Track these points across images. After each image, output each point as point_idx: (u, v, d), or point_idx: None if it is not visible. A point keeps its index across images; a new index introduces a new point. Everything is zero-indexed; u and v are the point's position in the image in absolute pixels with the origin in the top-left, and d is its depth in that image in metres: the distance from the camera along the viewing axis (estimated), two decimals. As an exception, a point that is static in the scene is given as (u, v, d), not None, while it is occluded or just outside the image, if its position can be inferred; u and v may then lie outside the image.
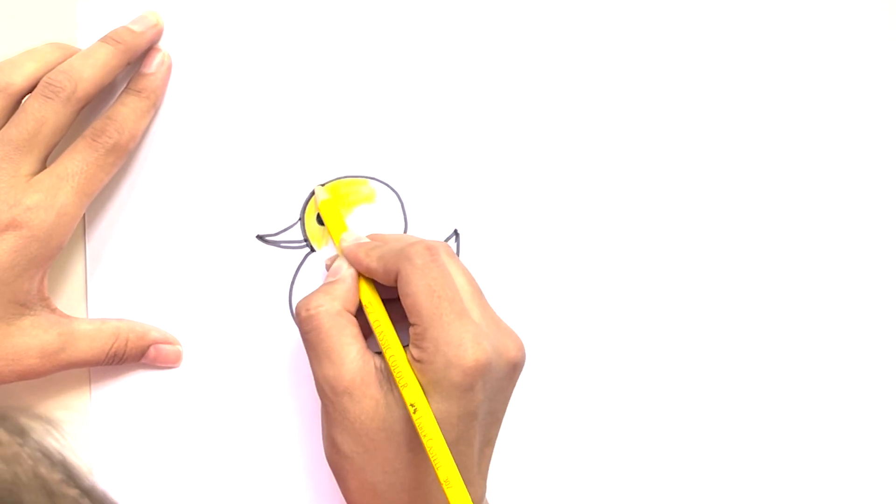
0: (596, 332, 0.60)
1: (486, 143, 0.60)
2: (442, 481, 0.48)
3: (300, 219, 0.59)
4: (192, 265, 0.59)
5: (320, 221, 0.59)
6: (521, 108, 0.60)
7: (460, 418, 0.50)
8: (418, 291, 0.51)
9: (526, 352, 0.52)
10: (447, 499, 0.48)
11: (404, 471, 0.51)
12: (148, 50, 0.58)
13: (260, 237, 0.59)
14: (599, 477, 0.59)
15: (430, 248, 0.52)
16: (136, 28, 0.58)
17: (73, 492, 0.32)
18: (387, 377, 0.51)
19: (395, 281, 0.52)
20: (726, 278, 0.60)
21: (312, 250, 0.59)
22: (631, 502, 0.59)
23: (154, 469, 0.59)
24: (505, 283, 0.59)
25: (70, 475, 0.33)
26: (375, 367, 0.52)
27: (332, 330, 0.52)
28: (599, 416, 0.59)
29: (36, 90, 0.55)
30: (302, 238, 0.59)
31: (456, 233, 0.60)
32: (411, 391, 0.50)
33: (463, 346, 0.50)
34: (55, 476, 0.32)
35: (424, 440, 0.49)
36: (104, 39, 0.57)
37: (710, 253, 0.60)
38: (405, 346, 0.52)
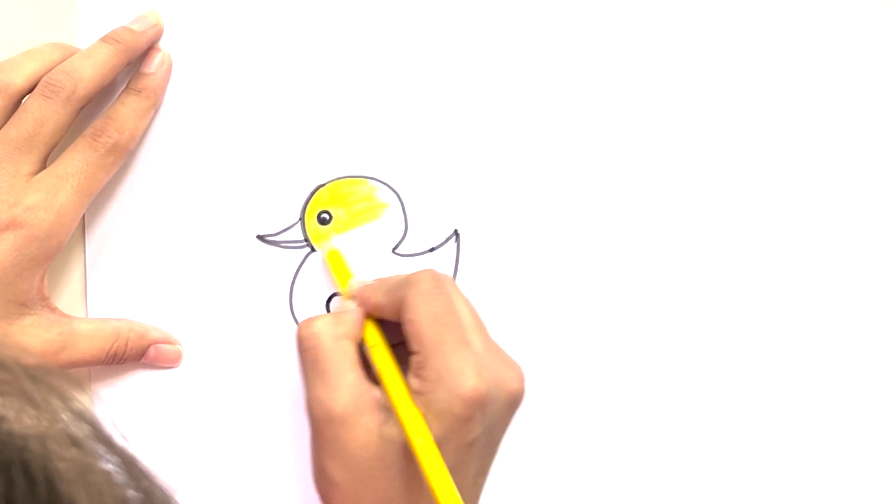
0: (596, 332, 0.60)
1: (486, 143, 0.60)
2: None
3: (300, 219, 0.59)
4: (192, 265, 0.59)
5: (321, 221, 0.59)
6: (521, 109, 0.60)
7: (458, 448, 0.50)
8: (421, 317, 0.50)
9: (525, 383, 0.52)
10: None
11: (398, 499, 0.51)
12: (148, 50, 0.58)
13: (260, 237, 0.59)
14: (601, 480, 0.59)
15: (435, 276, 0.52)
16: (136, 28, 0.58)
17: (100, 448, 0.33)
18: (383, 408, 0.51)
19: (400, 312, 0.51)
20: (730, 283, 0.60)
21: (312, 250, 0.59)
22: None
23: (154, 469, 0.58)
24: (505, 284, 0.59)
25: (98, 432, 0.33)
26: (372, 397, 0.51)
27: (332, 353, 0.51)
28: (597, 417, 0.59)
29: (36, 90, 0.55)
30: (302, 238, 0.59)
31: (456, 233, 0.60)
32: (414, 425, 0.49)
33: (464, 375, 0.49)
34: (84, 430, 0.33)
35: (428, 475, 0.48)
36: (104, 39, 0.57)
37: (712, 254, 0.60)
38: (405, 378, 0.51)
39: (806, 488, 0.60)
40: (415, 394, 0.50)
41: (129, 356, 0.58)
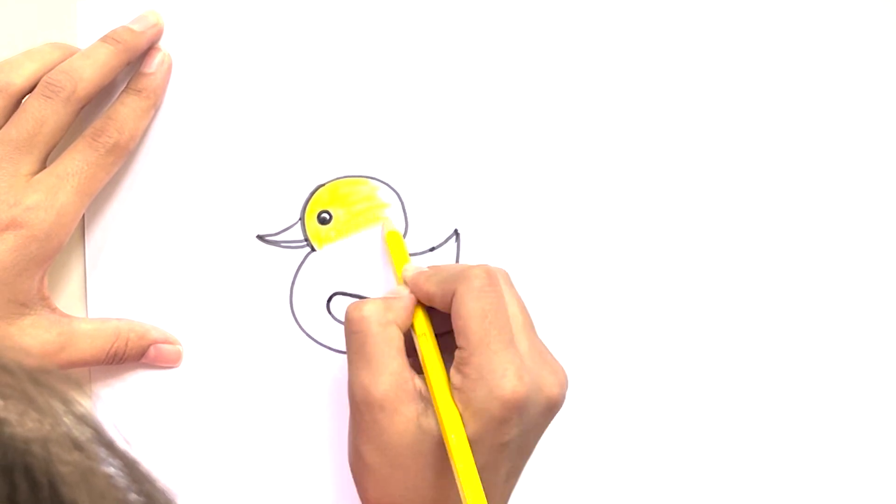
0: (596, 332, 0.60)
1: (486, 143, 0.60)
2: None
3: (300, 219, 0.59)
4: (192, 265, 0.59)
5: (321, 221, 0.59)
6: (521, 109, 0.60)
7: (491, 447, 0.50)
8: (470, 314, 0.50)
9: (568, 387, 0.52)
10: None
11: (426, 490, 0.51)
12: (148, 50, 0.58)
13: (260, 237, 0.59)
14: (603, 480, 0.59)
15: (489, 272, 0.52)
16: (136, 28, 0.58)
17: (102, 451, 0.33)
18: (423, 398, 0.51)
19: (451, 305, 0.51)
20: (731, 282, 0.60)
21: (313, 250, 0.59)
22: None
23: (155, 472, 0.58)
24: (505, 283, 0.59)
25: (100, 436, 0.33)
26: (414, 386, 0.51)
27: (379, 337, 0.51)
28: (597, 417, 0.59)
29: (36, 90, 0.55)
30: (302, 238, 0.59)
31: (456, 233, 0.60)
32: (451, 421, 0.49)
33: (505, 377, 0.49)
34: (86, 433, 0.33)
35: (458, 472, 0.48)
36: (104, 39, 0.57)
37: (713, 254, 0.60)
38: (447, 372, 0.51)
39: (806, 488, 0.60)
40: (455, 389, 0.50)
41: (130, 356, 0.58)
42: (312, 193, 0.59)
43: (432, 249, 0.60)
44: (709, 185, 0.60)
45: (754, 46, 0.61)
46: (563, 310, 0.60)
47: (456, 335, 0.51)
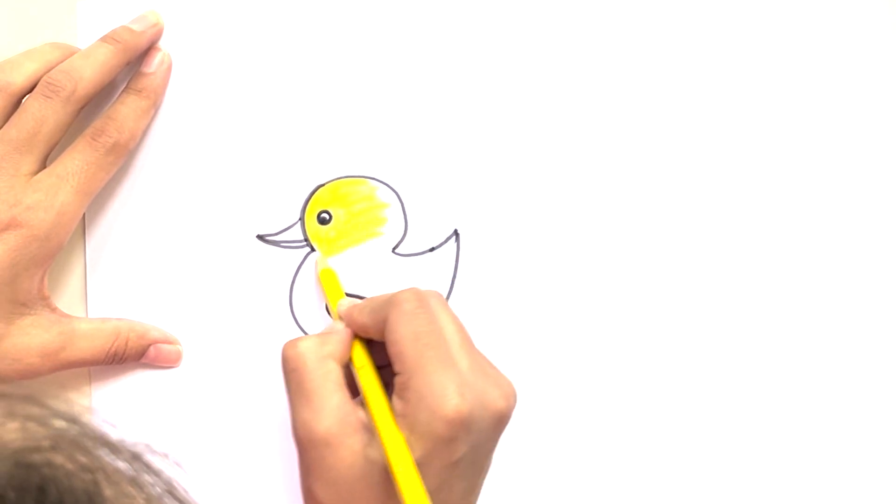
0: (596, 332, 0.59)
1: (486, 143, 0.60)
2: None
3: (300, 219, 0.59)
4: (192, 265, 0.59)
5: (321, 221, 0.59)
6: (520, 109, 0.60)
7: (441, 468, 0.49)
8: (404, 337, 0.50)
9: (516, 398, 0.51)
10: None
11: None
12: (148, 49, 0.58)
13: (260, 237, 0.59)
14: (606, 480, 0.59)
15: (418, 295, 0.51)
16: (136, 27, 0.58)
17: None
18: (368, 429, 0.50)
19: (384, 332, 0.51)
20: (733, 287, 0.60)
21: (312, 250, 0.59)
22: None
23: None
24: (505, 284, 0.59)
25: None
26: (357, 418, 0.50)
27: (316, 373, 0.51)
28: (597, 418, 0.59)
29: (36, 90, 0.55)
30: (302, 238, 0.59)
31: (456, 233, 0.60)
32: (395, 448, 0.48)
33: (446, 396, 0.48)
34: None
35: (405, 498, 0.47)
36: (104, 39, 0.57)
37: (714, 255, 0.60)
38: (389, 400, 0.51)
39: (806, 488, 0.59)
40: (399, 416, 0.49)
41: (129, 356, 0.58)
42: (312, 193, 0.59)
43: (432, 249, 0.60)
44: (709, 185, 0.60)
45: (754, 46, 0.61)
46: (563, 310, 0.59)
47: (392, 361, 0.50)
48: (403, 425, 0.49)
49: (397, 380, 0.50)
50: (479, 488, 0.52)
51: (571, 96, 0.60)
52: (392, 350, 0.50)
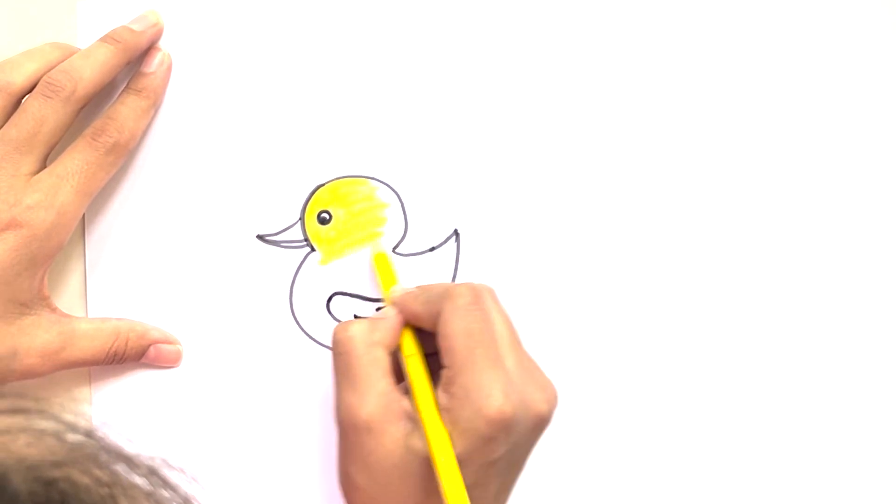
0: (596, 332, 0.60)
1: (486, 143, 0.60)
2: None
3: (300, 219, 0.59)
4: (192, 265, 0.59)
5: (321, 221, 0.59)
6: (520, 109, 0.60)
7: (480, 466, 0.50)
8: (455, 333, 0.50)
9: (558, 401, 0.52)
10: None
11: None
12: (148, 49, 0.58)
13: (260, 237, 0.59)
14: (607, 479, 0.59)
15: (474, 290, 0.52)
16: (136, 27, 0.58)
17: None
18: (411, 419, 0.51)
19: (436, 325, 0.51)
20: (732, 284, 0.60)
21: (312, 250, 0.59)
22: None
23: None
24: (505, 284, 0.59)
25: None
26: (401, 407, 0.51)
27: (364, 358, 0.51)
28: (598, 416, 0.59)
29: (36, 90, 0.55)
30: (302, 238, 0.59)
31: (456, 233, 0.60)
32: (438, 441, 0.49)
33: (491, 395, 0.49)
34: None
35: (446, 492, 0.48)
36: (104, 39, 0.57)
37: (714, 254, 0.60)
38: (434, 391, 0.51)
39: (806, 488, 0.60)
40: (443, 409, 0.50)
41: (129, 356, 0.58)
42: (312, 193, 0.59)
43: (432, 249, 0.60)
44: (709, 184, 0.60)
45: (754, 47, 0.61)
46: (564, 310, 0.59)
47: (441, 354, 0.51)
48: (447, 419, 0.50)
49: (444, 373, 0.50)
50: (512, 488, 0.53)
51: (571, 96, 0.60)
52: (443, 343, 0.51)
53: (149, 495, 0.33)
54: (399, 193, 0.60)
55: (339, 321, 0.58)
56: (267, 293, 0.59)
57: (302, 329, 0.59)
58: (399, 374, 0.53)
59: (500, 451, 0.50)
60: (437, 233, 0.60)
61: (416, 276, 0.59)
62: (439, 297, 0.52)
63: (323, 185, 0.60)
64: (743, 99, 0.61)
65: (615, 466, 0.59)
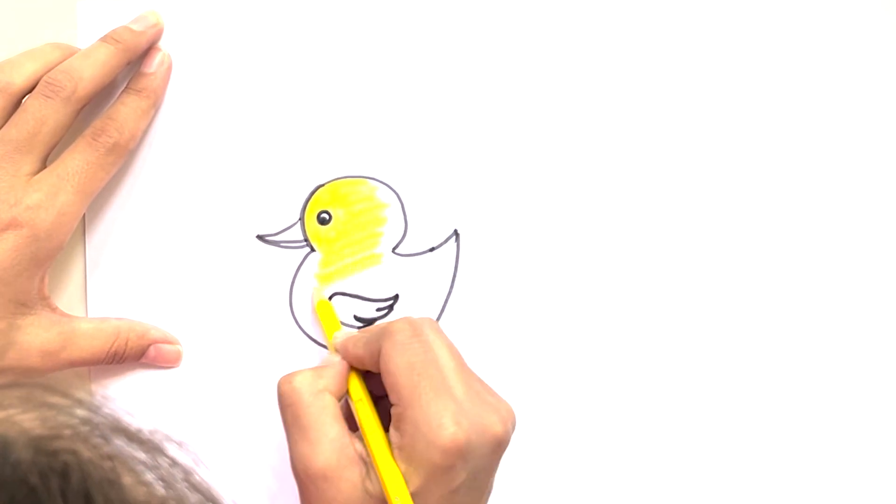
0: (596, 332, 0.60)
1: (487, 143, 0.60)
2: None
3: (300, 219, 0.59)
4: (192, 265, 0.59)
5: (320, 221, 0.59)
6: (520, 109, 0.60)
7: (441, 497, 0.49)
8: (398, 368, 0.50)
9: (514, 423, 0.51)
10: None
11: None
12: (148, 49, 0.58)
13: (260, 237, 0.59)
14: (608, 477, 0.59)
15: (412, 324, 0.51)
16: (136, 28, 0.58)
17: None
18: (366, 462, 0.50)
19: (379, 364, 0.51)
20: (733, 287, 0.60)
21: (312, 250, 0.59)
22: None
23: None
24: (505, 284, 0.59)
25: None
26: (355, 451, 0.50)
27: (312, 407, 0.51)
28: (599, 417, 0.59)
29: (36, 90, 0.55)
30: (302, 238, 0.59)
31: (456, 233, 0.60)
32: (392, 482, 0.49)
33: (442, 425, 0.49)
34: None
35: None
36: (104, 39, 0.57)
37: (714, 255, 0.60)
38: (386, 432, 0.51)
39: (806, 488, 0.60)
40: (395, 448, 0.50)
41: (129, 356, 0.58)
42: (312, 193, 0.60)
43: (432, 250, 0.60)
44: (709, 185, 0.60)
45: (754, 47, 0.61)
46: (563, 310, 0.59)
47: (388, 393, 0.51)
48: (401, 457, 0.49)
49: (394, 411, 0.50)
50: None
51: (571, 97, 0.60)
52: (387, 381, 0.51)
53: (151, 468, 0.33)
54: (399, 193, 0.60)
55: (339, 321, 0.58)
56: (267, 293, 0.59)
57: (302, 329, 0.59)
58: (350, 420, 0.52)
59: (460, 478, 0.49)
60: (437, 233, 0.60)
61: (417, 276, 0.59)
62: (377, 336, 0.52)
63: (323, 185, 0.60)
64: (743, 99, 0.61)
65: (615, 466, 0.59)
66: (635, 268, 0.60)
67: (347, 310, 0.59)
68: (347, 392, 0.53)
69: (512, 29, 0.60)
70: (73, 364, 0.56)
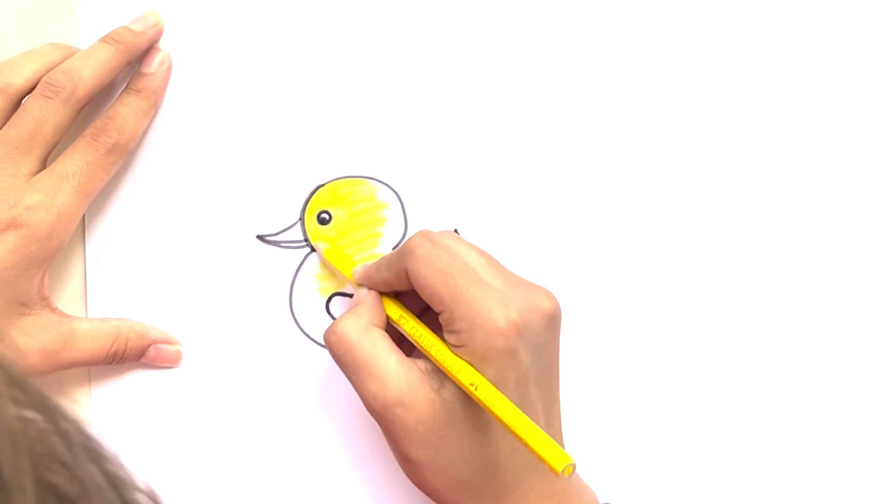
0: (596, 332, 0.60)
1: (486, 143, 0.60)
2: (523, 438, 0.47)
3: (300, 219, 0.59)
4: (192, 265, 0.59)
5: (320, 221, 0.59)
6: (520, 108, 0.60)
7: (516, 383, 0.49)
8: (431, 280, 0.50)
9: (558, 301, 0.52)
10: (534, 454, 0.46)
11: (482, 451, 0.50)
12: (148, 50, 0.59)
13: (260, 237, 0.59)
14: (609, 476, 0.59)
15: (428, 235, 0.52)
16: (136, 28, 0.58)
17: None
18: (433, 375, 0.51)
19: (410, 282, 0.51)
20: (731, 284, 0.60)
21: (312, 250, 0.59)
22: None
23: (154, 469, 0.59)
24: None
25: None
26: (419, 370, 0.51)
27: (365, 345, 0.51)
28: (598, 414, 0.59)
29: (36, 90, 0.55)
30: (302, 238, 0.59)
31: (456, 233, 0.60)
32: (465, 373, 0.49)
33: (493, 311, 0.49)
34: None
35: (496, 412, 0.48)
36: (104, 39, 0.57)
37: (714, 254, 0.60)
38: (441, 338, 0.51)
39: (806, 488, 0.60)
40: (456, 349, 0.50)
41: (129, 356, 0.58)
42: (312, 193, 0.60)
43: (432, 249, 0.60)
44: (709, 185, 0.60)
45: (754, 46, 0.61)
46: (563, 309, 0.59)
47: (430, 304, 0.51)
48: (465, 354, 0.50)
49: (442, 318, 0.50)
50: (558, 396, 0.52)
51: (571, 96, 0.60)
52: (425, 293, 0.51)
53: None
54: (399, 193, 0.60)
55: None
56: (267, 293, 0.59)
57: (302, 329, 0.59)
58: (403, 344, 0.52)
59: (527, 360, 0.50)
60: (437, 233, 0.60)
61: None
62: (398, 256, 0.52)
63: (323, 185, 0.60)
64: (743, 99, 0.61)
65: (615, 467, 0.59)
66: (635, 267, 0.60)
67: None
68: (388, 317, 0.53)
69: (511, 29, 0.60)
70: (73, 364, 0.56)
